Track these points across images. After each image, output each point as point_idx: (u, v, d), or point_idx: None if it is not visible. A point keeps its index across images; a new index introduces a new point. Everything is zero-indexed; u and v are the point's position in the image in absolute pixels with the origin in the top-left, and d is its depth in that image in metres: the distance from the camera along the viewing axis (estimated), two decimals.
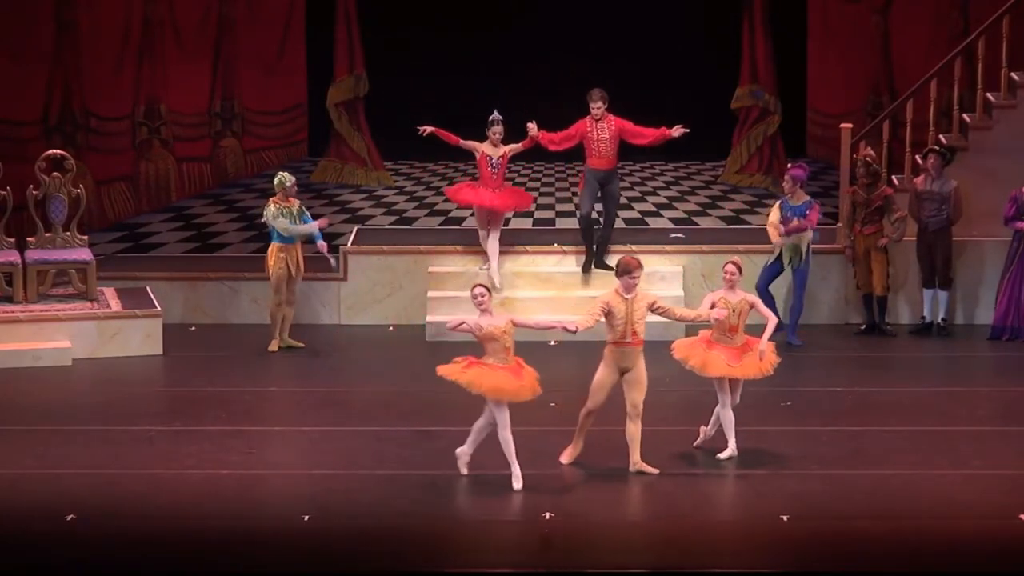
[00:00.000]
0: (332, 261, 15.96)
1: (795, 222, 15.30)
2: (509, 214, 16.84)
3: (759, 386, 14.15)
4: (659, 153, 24.12)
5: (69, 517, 10.26)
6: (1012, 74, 16.73)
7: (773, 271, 15.53)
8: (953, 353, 15.26)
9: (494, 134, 15.97)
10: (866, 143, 16.47)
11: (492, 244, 15.93)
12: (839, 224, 16.67)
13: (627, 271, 11.21)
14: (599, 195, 16.04)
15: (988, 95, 16.80)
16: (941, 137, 16.70)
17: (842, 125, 16.93)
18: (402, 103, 22.77)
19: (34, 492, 10.88)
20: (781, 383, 14.21)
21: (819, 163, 22.54)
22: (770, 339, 11.88)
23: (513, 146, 16.06)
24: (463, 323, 11.01)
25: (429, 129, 16.14)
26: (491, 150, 15.98)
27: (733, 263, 11.96)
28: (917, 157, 16.48)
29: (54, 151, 16.05)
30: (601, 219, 16.30)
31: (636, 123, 16.09)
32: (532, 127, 15.93)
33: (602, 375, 11.38)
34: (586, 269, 16.17)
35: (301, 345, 15.22)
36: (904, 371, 14.62)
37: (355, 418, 12.88)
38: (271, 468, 11.50)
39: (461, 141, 16.06)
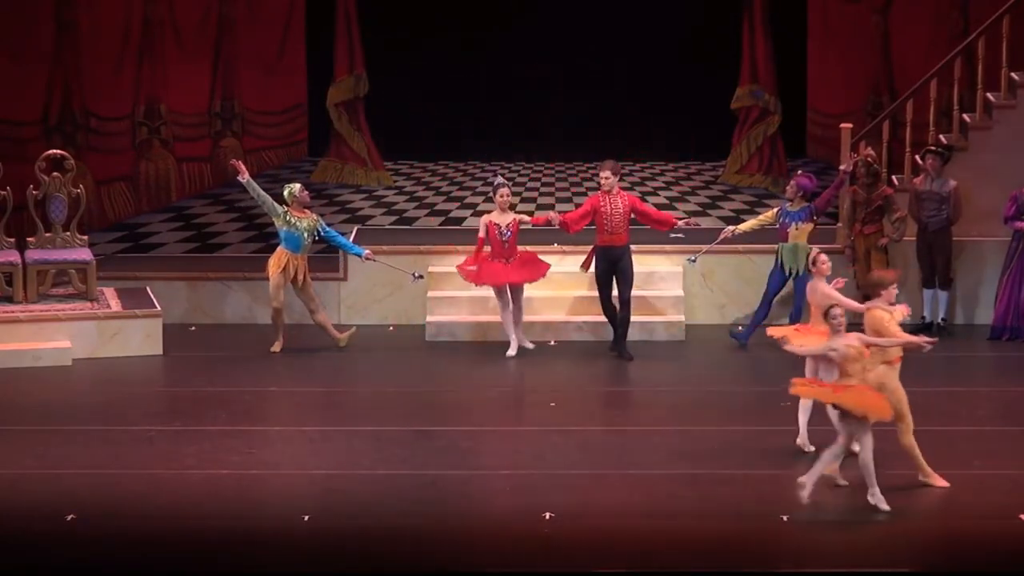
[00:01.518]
0: (412, 276, 15.45)
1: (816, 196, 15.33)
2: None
3: (759, 386, 14.17)
4: (659, 153, 24.17)
5: (69, 517, 10.26)
6: (1012, 74, 16.73)
7: (779, 281, 15.47)
8: (953, 353, 15.25)
9: (501, 197, 14.83)
10: (866, 143, 16.47)
11: (513, 316, 14.97)
12: (839, 224, 16.67)
13: (881, 284, 11.05)
14: (612, 274, 14.85)
15: (988, 95, 16.80)
16: (941, 137, 16.70)
17: (842, 125, 16.92)
18: (402, 103, 22.82)
19: (34, 492, 10.88)
20: (781, 383, 14.21)
21: (819, 163, 22.57)
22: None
23: (523, 217, 15.01)
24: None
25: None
26: (499, 217, 14.83)
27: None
28: (917, 157, 16.48)
29: (54, 151, 16.05)
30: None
31: (640, 196, 15.91)
32: (554, 216, 14.91)
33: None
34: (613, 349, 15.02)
35: (353, 330, 15.34)
36: (904, 371, 14.53)
37: (355, 418, 12.87)
38: (271, 468, 11.50)
39: (481, 240, 14.88)
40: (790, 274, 15.43)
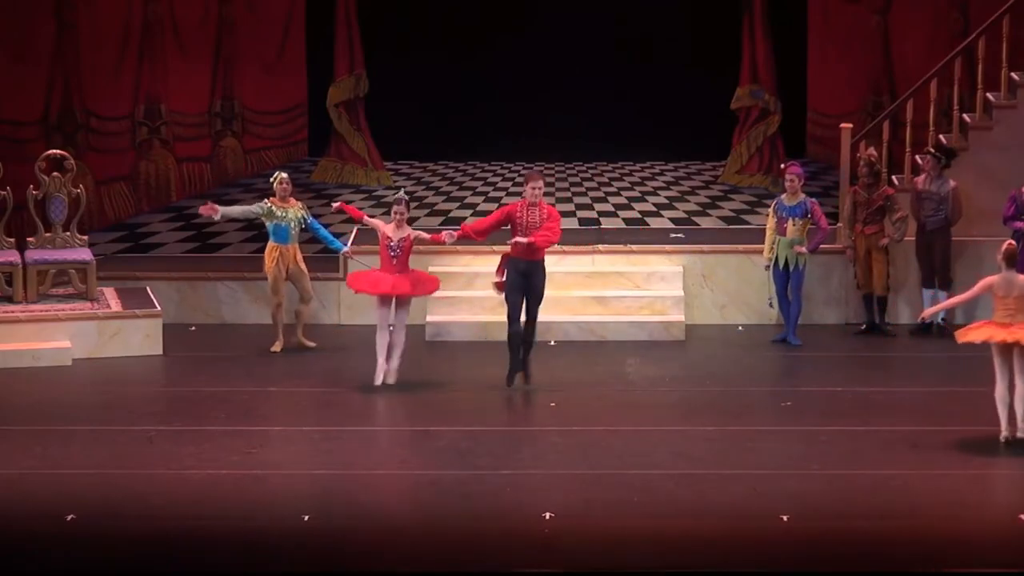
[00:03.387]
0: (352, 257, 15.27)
1: (817, 236, 15.33)
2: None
3: (759, 386, 14.18)
4: (659, 153, 24.17)
5: (69, 517, 10.26)
6: (1012, 74, 16.73)
7: (782, 276, 15.49)
8: (953, 353, 15.20)
9: (397, 214, 13.79)
10: (865, 144, 16.47)
11: (391, 337, 13.91)
12: (839, 224, 16.67)
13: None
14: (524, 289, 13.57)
15: (988, 95, 16.79)
16: (941, 137, 16.70)
17: (842, 125, 16.93)
18: (402, 103, 22.82)
19: (34, 492, 10.88)
20: (781, 383, 14.24)
21: (819, 163, 22.56)
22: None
23: (420, 234, 13.96)
24: None
25: (337, 205, 14.36)
26: (393, 232, 13.82)
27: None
28: (917, 157, 16.48)
29: (54, 151, 16.06)
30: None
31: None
32: (447, 235, 13.89)
33: None
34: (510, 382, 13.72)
35: (312, 345, 15.22)
36: (904, 371, 14.62)
37: (355, 418, 12.87)
38: (271, 468, 11.49)
39: (365, 218, 14.16)
40: (785, 268, 15.43)
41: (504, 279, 13.59)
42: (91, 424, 12.67)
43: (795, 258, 15.39)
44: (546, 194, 19.96)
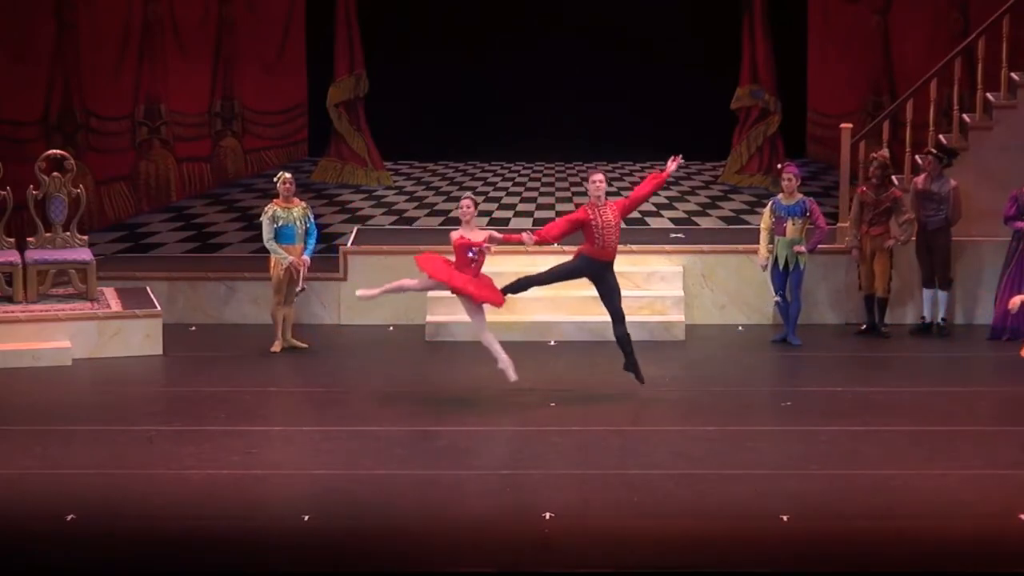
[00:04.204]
0: (299, 286, 15.05)
1: (816, 236, 15.32)
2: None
3: (759, 386, 14.18)
4: (659, 153, 24.15)
5: (69, 517, 10.26)
6: (1012, 74, 16.73)
7: (780, 276, 15.50)
8: (953, 353, 15.26)
9: (464, 207, 13.40)
10: (866, 144, 16.48)
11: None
12: (839, 224, 16.67)
13: None
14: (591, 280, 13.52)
15: (988, 95, 16.80)
16: (941, 137, 16.70)
17: (842, 125, 16.93)
18: (402, 103, 22.82)
19: (34, 492, 10.88)
20: (781, 383, 14.24)
21: (819, 163, 22.57)
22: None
23: (494, 233, 13.51)
24: None
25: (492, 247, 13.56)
26: (467, 233, 13.39)
27: None
28: (917, 157, 16.49)
29: (54, 151, 16.06)
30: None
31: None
32: (527, 236, 13.37)
33: None
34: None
35: (304, 346, 15.22)
36: (904, 371, 14.62)
37: (355, 418, 12.87)
38: (271, 468, 11.49)
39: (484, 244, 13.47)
40: (784, 268, 15.43)
41: (558, 239, 13.54)
42: (91, 424, 12.67)
43: (795, 258, 15.39)
44: (545, 194, 20.00)
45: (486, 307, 13.37)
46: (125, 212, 19.77)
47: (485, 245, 13.31)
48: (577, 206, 20.28)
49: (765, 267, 15.56)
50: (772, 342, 15.49)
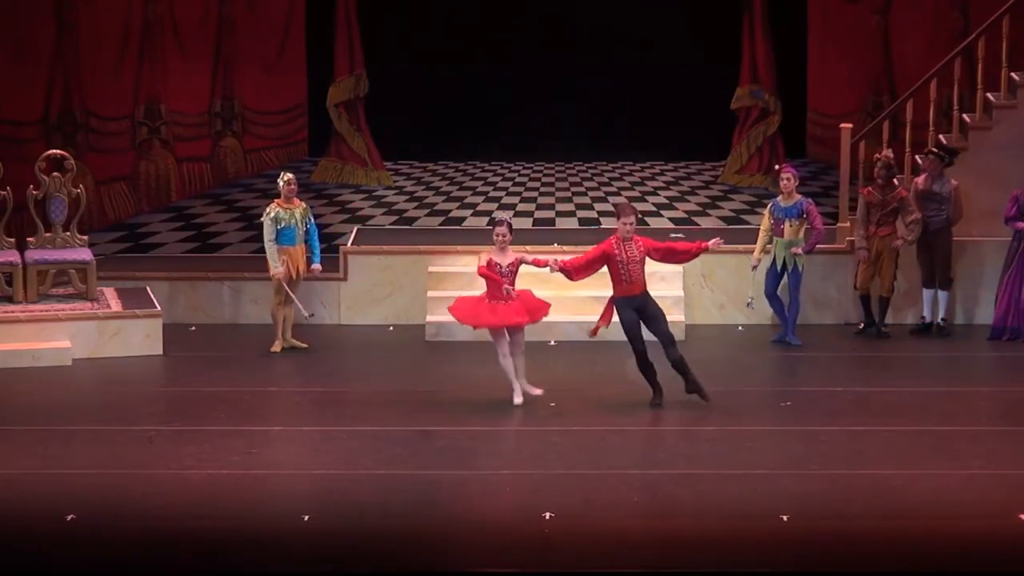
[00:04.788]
0: (305, 312, 15.01)
1: (813, 238, 15.30)
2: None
3: (759, 386, 14.18)
4: (659, 153, 24.18)
5: (69, 517, 10.26)
6: (1012, 74, 16.72)
7: (776, 275, 15.51)
8: (953, 353, 15.26)
9: (499, 236, 13.18)
10: (867, 144, 16.48)
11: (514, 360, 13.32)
12: (839, 223, 16.67)
13: None
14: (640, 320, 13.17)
15: (988, 95, 16.79)
16: (941, 137, 16.70)
17: (842, 125, 16.93)
18: (402, 103, 22.82)
19: (34, 492, 10.88)
20: (781, 383, 14.24)
21: (819, 163, 22.56)
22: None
23: (524, 256, 13.31)
24: None
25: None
26: (499, 256, 13.19)
27: None
28: (917, 157, 16.48)
29: (54, 151, 16.06)
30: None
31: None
32: (554, 262, 13.13)
33: None
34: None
35: (304, 346, 15.22)
36: (904, 371, 14.62)
37: (355, 418, 12.87)
38: (271, 468, 11.49)
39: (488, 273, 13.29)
40: (783, 269, 15.43)
41: (610, 322, 13.15)
42: (91, 424, 12.67)
43: (792, 259, 15.38)
44: (546, 194, 19.99)
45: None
46: (125, 212, 19.77)
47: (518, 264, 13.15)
48: (577, 206, 20.37)
49: (755, 267, 15.55)
50: (771, 342, 15.49)
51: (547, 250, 15.95)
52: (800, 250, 15.33)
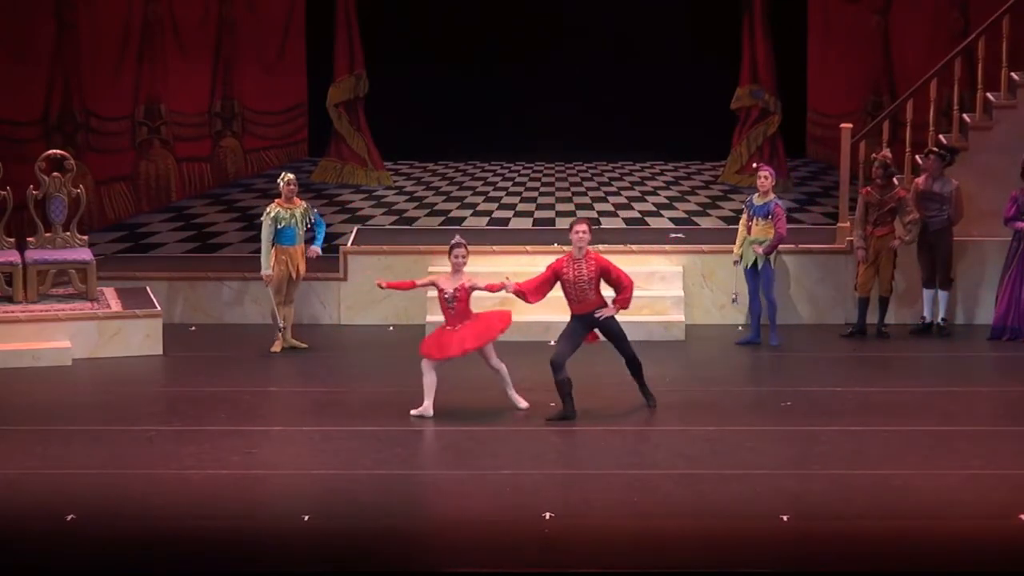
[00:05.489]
0: (279, 323, 15.01)
1: (773, 239, 15.21)
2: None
3: (759, 386, 14.18)
4: (659, 153, 24.20)
5: (69, 517, 10.26)
6: (1012, 74, 16.73)
7: (750, 275, 15.46)
8: (953, 353, 15.26)
9: (457, 258, 12.84)
10: (867, 144, 16.48)
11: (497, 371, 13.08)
12: (839, 223, 16.67)
13: None
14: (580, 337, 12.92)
15: (988, 95, 16.80)
16: (941, 137, 16.70)
17: (842, 125, 16.92)
18: (402, 103, 22.84)
19: (34, 492, 10.88)
20: (781, 383, 14.23)
21: (819, 163, 22.58)
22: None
23: (476, 282, 12.91)
24: None
25: (382, 284, 13.26)
26: (447, 281, 12.90)
27: None
28: (917, 157, 16.48)
29: (54, 151, 16.06)
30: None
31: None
32: (509, 283, 12.82)
33: None
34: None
35: (304, 346, 15.22)
36: (904, 371, 14.62)
37: (355, 418, 12.87)
38: (271, 468, 11.49)
39: (416, 284, 13.24)
40: (748, 268, 15.39)
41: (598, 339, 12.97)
42: (91, 424, 12.67)
43: (754, 257, 15.33)
44: (546, 194, 19.96)
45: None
46: (125, 212, 19.78)
47: (467, 287, 12.83)
48: (577, 206, 20.37)
49: (736, 263, 15.54)
50: (736, 344, 15.41)
51: (547, 250, 15.97)
52: (760, 249, 15.26)
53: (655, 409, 13.00)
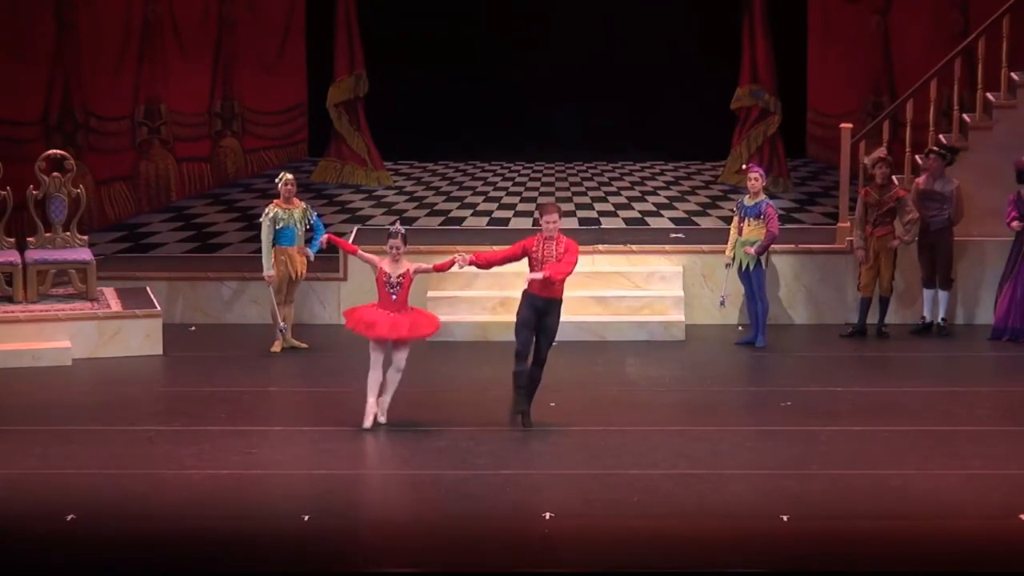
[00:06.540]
0: (280, 324, 15.01)
1: (765, 239, 15.19)
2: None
3: (759, 386, 14.18)
4: (659, 153, 24.21)
5: (69, 517, 10.26)
6: (1012, 74, 16.73)
7: (745, 277, 15.45)
8: (953, 353, 15.26)
9: (392, 248, 12.62)
10: (868, 144, 16.48)
11: (386, 376, 12.72)
12: (839, 223, 16.68)
13: None
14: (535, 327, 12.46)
15: (988, 95, 16.80)
16: (941, 137, 16.71)
17: (842, 125, 16.93)
18: (402, 103, 22.85)
19: (34, 492, 10.88)
20: (781, 383, 14.23)
21: (819, 163, 22.58)
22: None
23: (420, 265, 12.76)
24: None
25: (325, 238, 13.44)
26: (390, 267, 12.67)
27: None
28: (917, 157, 16.49)
29: (54, 151, 16.06)
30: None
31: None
32: (460, 258, 12.57)
33: None
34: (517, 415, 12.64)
35: (304, 346, 15.23)
36: (904, 371, 14.62)
37: (355, 418, 12.86)
38: (271, 468, 11.49)
39: (359, 252, 13.12)
40: (740, 269, 15.38)
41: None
42: (91, 424, 12.67)
43: (746, 259, 15.32)
44: (546, 194, 20.01)
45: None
46: (125, 212, 19.78)
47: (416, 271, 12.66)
48: (577, 206, 20.38)
49: (728, 265, 15.53)
50: (735, 344, 15.42)
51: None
52: (752, 249, 15.25)
53: (532, 427, 12.46)
